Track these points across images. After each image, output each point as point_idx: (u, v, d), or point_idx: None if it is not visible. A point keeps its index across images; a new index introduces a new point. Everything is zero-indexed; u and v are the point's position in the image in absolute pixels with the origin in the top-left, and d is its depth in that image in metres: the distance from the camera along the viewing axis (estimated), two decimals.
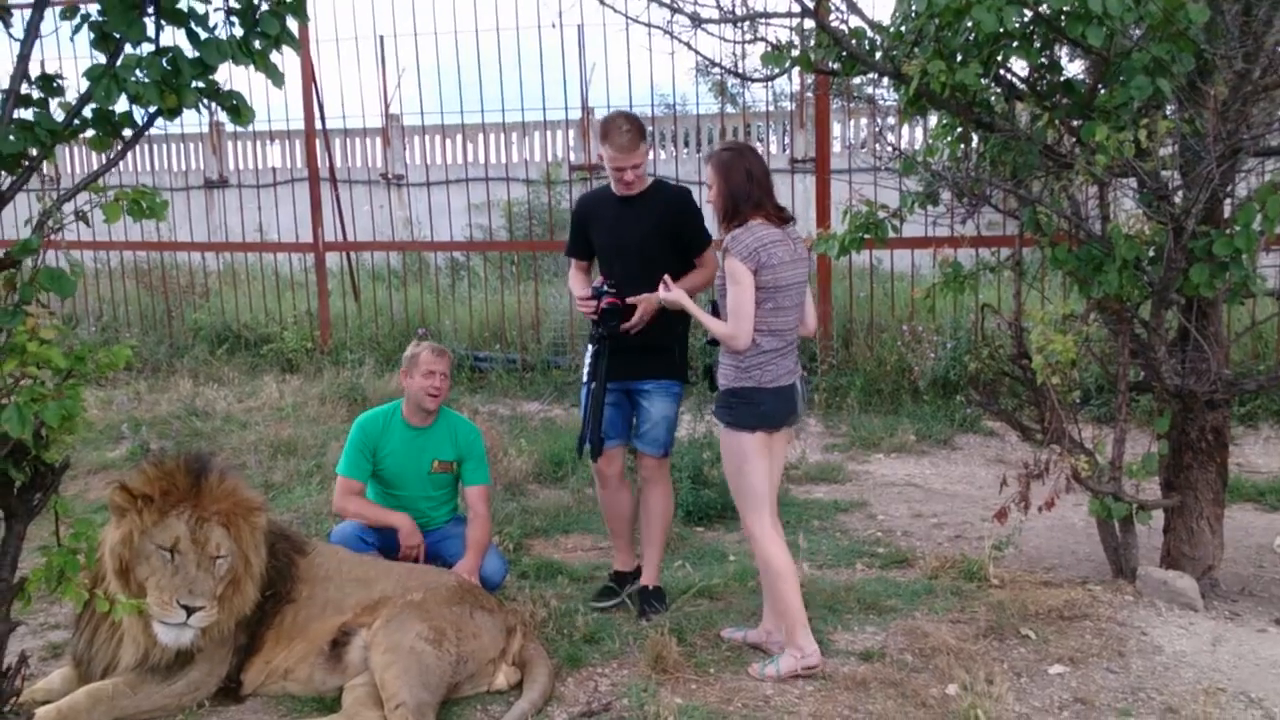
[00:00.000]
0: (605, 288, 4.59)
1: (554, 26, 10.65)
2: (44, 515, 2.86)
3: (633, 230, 4.65)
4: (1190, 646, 4.21)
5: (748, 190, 4.06)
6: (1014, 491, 4.52)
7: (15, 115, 2.68)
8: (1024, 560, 5.17)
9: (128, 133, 2.82)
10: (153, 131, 2.97)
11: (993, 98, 4.58)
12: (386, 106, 12.15)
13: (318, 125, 10.39)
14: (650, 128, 13.60)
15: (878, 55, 4.58)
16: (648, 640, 4.11)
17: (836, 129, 12.87)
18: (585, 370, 4.74)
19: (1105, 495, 4.58)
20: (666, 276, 4.41)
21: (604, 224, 4.75)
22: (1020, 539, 5.24)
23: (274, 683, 3.94)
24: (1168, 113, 4.31)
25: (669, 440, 4.76)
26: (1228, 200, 4.48)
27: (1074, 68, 4.75)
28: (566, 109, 10.88)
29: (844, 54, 4.58)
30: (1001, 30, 3.97)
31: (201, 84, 2.77)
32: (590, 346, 4.67)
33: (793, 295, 4.09)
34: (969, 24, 4.11)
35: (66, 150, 14.57)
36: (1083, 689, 3.88)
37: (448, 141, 15.77)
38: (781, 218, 4.13)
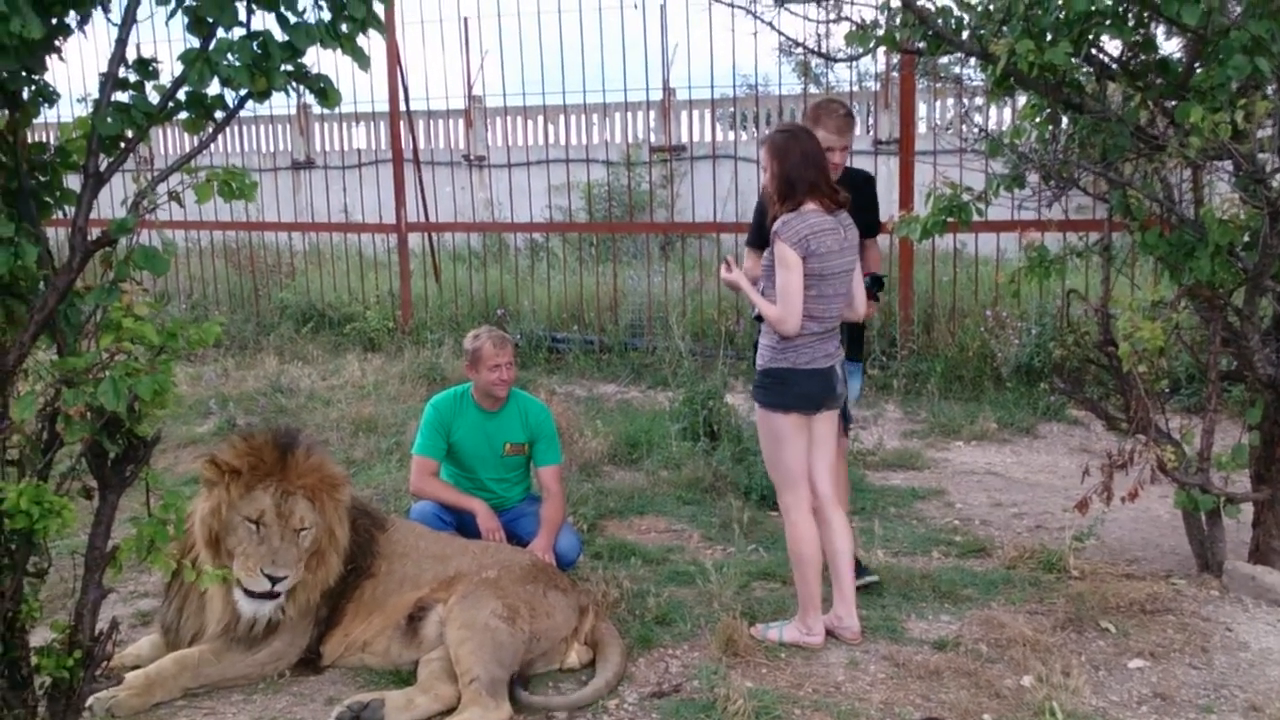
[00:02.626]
0: (870, 284, 4.48)
1: (635, 7, 10.62)
2: (135, 487, 2.96)
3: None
4: (1277, 644, 4.10)
5: (802, 172, 3.99)
6: (1097, 481, 4.43)
7: (113, 98, 2.76)
8: (1106, 552, 5.07)
9: (219, 115, 2.89)
10: (242, 114, 3.04)
11: (1083, 77, 4.47)
12: (469, 88, 12.26)
13: (402, 107, 10.52)
14: (732, 109, 13.49)
15: (964, 34, 4.50)
16: (719, 623, 4.12)
17: (922, 110, 12.65)
18: None
19: (1192, 487, 4.47)
20: (729, 257, 4.39)
21: None
22: (1102, 530, 5.14)
23: (352, 655, 4.03)
24: (1267, 93, 4.17)
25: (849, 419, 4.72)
26: None
27: (1169, 46, 4.62)
28: (648, 89, 10.88)
29: (930, 33, 4.51)
30: (1093, 8, 3.88)
31: (290, 67, 2.81)
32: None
33: (837, 284, 4.07)
34: (1059, 1, 4.01)
35: (160, 133, 14.96)
36: (1163, 684, 3.79)
37: (529, 123, 15.86)
38: (837, 201, 4.06)
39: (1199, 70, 4.12)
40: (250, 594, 3.82)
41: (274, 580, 3.79)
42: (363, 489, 5.92)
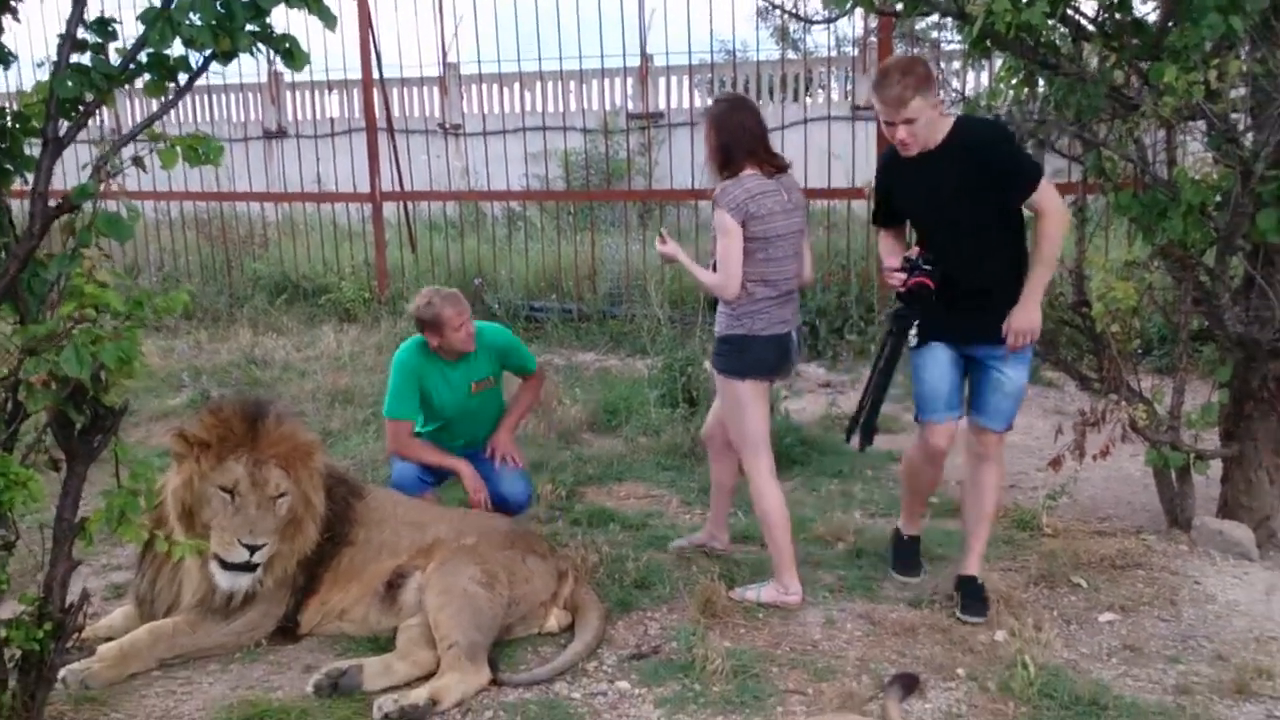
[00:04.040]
0: (921, 261, 3.95)
1: None
2: (106, 461, 2.93)
3: (934, 191, 3.92)
4: (1244, 596, 4.17)
5: (739, 140, 4.06)
6: (1069, 440, 4.46)
7: (72, 60, 2.71)
8: (1078, 510, 5.11)
9: (183, 78, 2.84)
10: (212, 81, 3.01)
11: (1059, 38, 4.46)
12: (444, 55, 12.13)
13: (375, 74, 10.41)
14: (710, 75, 13.46)
15: None
16: (698, 585, 4.13)
17: None
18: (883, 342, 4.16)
19: (1162, 445, 4.51)
20: (664, 230, 4.42)
21: (905, 184, 4.05)
22: (1075, 489, 5.18)
23: (330, 623, 4.02)
24: (1240, 53, 4.17)
25: (1015, 413, 4.11)
26: None
27: (1144, 7, 4.60)
28: (625, 56, 10.84)
29: None
30: None
31: (255, 27, 2.77)
32: (889, 319, 4.12)
33: (786, 245, 4.10)
34: None
35: (128, 101, 14.76)
36: (1132, 636, 3.86)
37: (505, 90, 15.72)
38: (776, 166, 4.12)
39: (1173, 30, 4.11)
40: (227, 567, 3.79)
41: (252, 550, 3.76)
42: (340, 459, 5.90)
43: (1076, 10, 4.41)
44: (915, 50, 11.92)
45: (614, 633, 4.00)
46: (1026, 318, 3.86)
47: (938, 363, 4.05)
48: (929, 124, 3.79)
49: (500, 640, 3.85)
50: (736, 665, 3.65)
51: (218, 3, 2.67)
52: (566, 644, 3.88)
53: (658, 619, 4.11)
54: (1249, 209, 4.08)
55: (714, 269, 4.11)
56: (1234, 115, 4.17)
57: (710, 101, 4.38)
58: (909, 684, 3.53)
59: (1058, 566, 4.38)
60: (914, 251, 4.02)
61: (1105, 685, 3.52)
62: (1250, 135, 4.15)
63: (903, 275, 3.96)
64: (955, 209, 3.89)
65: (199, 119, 16.81)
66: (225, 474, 3.80)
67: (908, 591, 4.29)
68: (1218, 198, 4.20)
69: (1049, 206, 3.82)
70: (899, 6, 4.60)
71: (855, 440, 4.12)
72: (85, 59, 2.73)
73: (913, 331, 4.02)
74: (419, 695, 3.45)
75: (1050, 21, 4.16)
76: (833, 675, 3.63)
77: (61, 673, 3.37)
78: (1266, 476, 4.63)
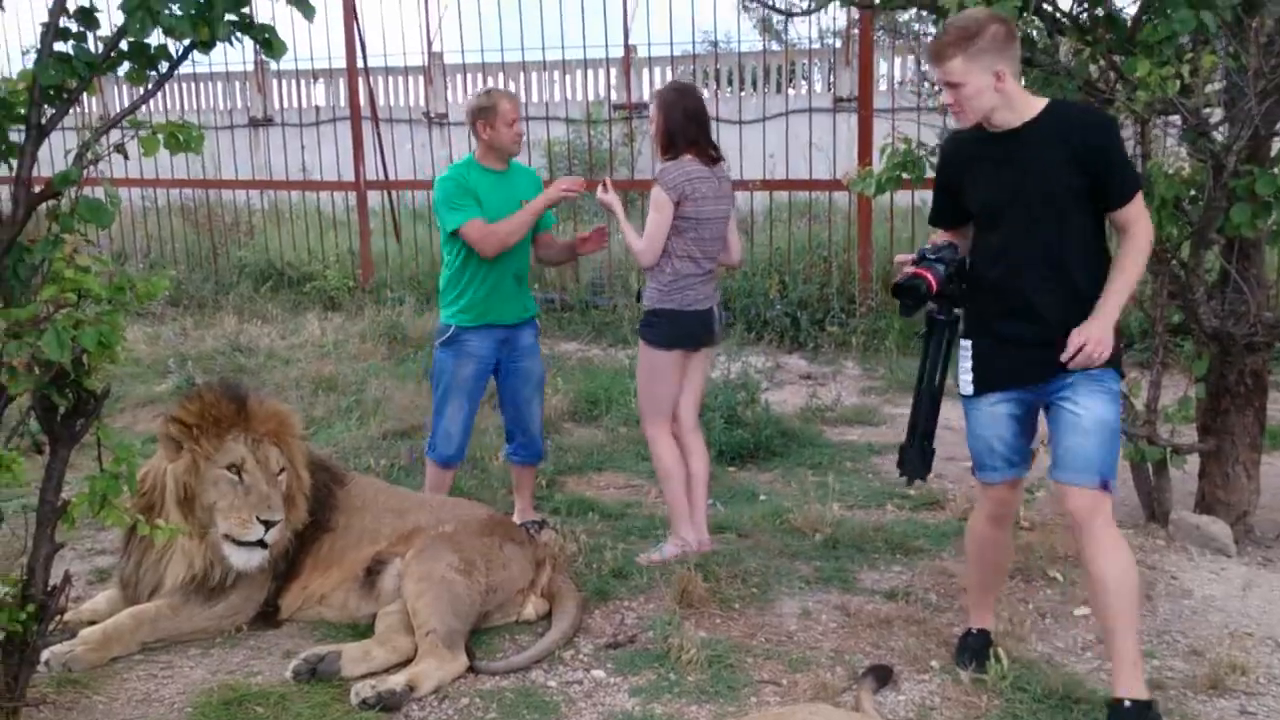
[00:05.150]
0: (929, 253, 3.42)
1: None
2: (90, 445, 2.95)
3: (1004, 184, 3.27)
4: (1220, 591, 4.21)
5: (683, 127, 4.38)
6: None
7: (55, 48, 2.74)
8: (1056, 504, 5.15)
9: (164, 66, 2.87)
10: (198, 69, 3.05)
11: (1034, 32, 4.49)
12: (429, 44, 12.12)
13: (360, 64, 10.40)
14: (693, 66, 13.46)
15: None
16: (674, 576, 4.17)
17: (884, 67, 12.65)
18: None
19: (1140, 439, 4.55)
20: (607, 178, 4.66)
21: (968, 171, 3.39)
22: (1053, 483, 5.22)
23: (310, 608, 4.05)
24: (1215, 48, 4.21)
25: (1107, 461, 3.21)
26: (1276, 139, 4.38)
27: (1119, 1, 4.64)
28: (607, 47, 10.84)
29: None
30: None
31: (234, 16, 2.80)
32: (925, 325, 3.54)
33: (714, 228, 4.44)
34: None
35: (115, 90, 14.70)
36: None
37: (489, 80, 15.70)
38: (712, 157, 4.44)
39: (1146, 25, 4.15)
40: (241, 544, 3.84)
41: (268, 525, 3.83)
42: (323, 446, 5.92)
43: (1051, 3, 4.44)
44: (899, 43, 11.98)
45: (591, 621, 4.03)
46: (1097, 327, 3.15)
47: (995, 417, 3.43)
48: (979, 95, 3.17)
49: (478, 628, 3.88)
50: (711, 655, 3.68)
51: None
52: (544, 632, 3.91)
53: (635, 608, 4.14)
54: (1222, 203, 4.13)
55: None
56: (1212, 110, 4.21)
57: (663, 89, 4.61)
58: (883, 675, 3.56)
59: (1034, 560, 4.41)
60: (933, 240, 3.51)
61: (1079, 679, 3.54)
62: (1223, 129, 4.19)
63: (911, 268, 3.41)
64: (1028, 208, 3.23)
65: (186, 107, 16.74)
66: (229, 454, 3.86)
67: (883, 583, 4.33)
68: (1192, 192, 4.25)
69: (1142, 225, 3.23)
70: (875, 0, 4.62)
71: (908, 471, 3.63)
72: (68, 47, 2.75)
73: (949, 335, 3.47)
74: (396, 681, 3.48)
75: (1024, 15, 4.19)
76: (807, 666, 3.67)
77: (45, 655, 3.40)
78: (1244, 471, 4.67)
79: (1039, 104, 3.27)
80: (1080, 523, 3.27)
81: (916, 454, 3.58)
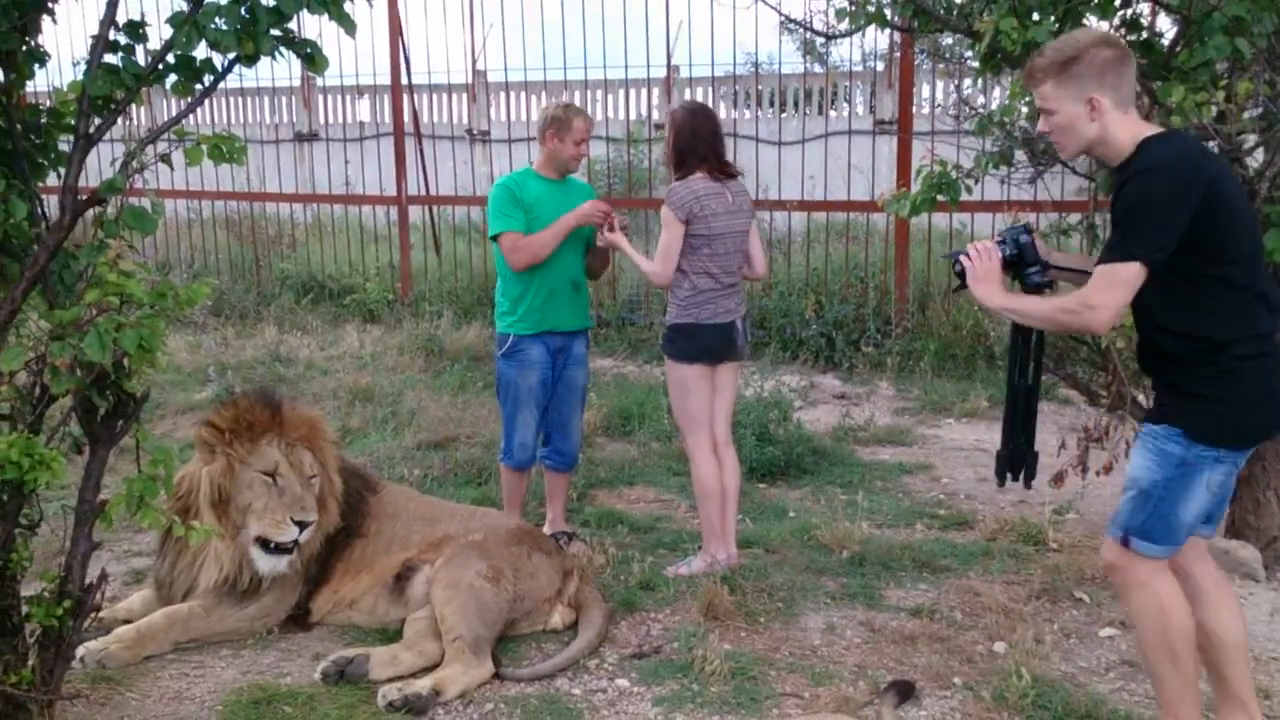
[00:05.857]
0: (1011, 231, 3.24)
1: None
2: (129, 448, 3.03)
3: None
4: (1247, 616, 4.16)
5: (693, 145, 4.44)
6: (1072, 455, 4.50)
7: (103, 60, 2.83)
8: (1085, 525, 5.13)
9: (209, 79, 2.96)
10: (246, 84, 3.13)
11: None
12: (473, 62, 12.25)
13: (404, 81, 10.55)
14: (734, 87, 13.46)
15: (953, 12, 4.53)
16: (700, 589, 4.19)
17: (926, 90, 12.64)
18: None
19: None
20: (614, 218, 4.71)
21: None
22: (1083, 505, 5.21)
23: (340, 612, 4.12)
24: (1253, 75, 4.20)
25: (1134, 516, 2.97)
26: None
27: (1157, 26, 4.64)
28: (649, 66, 10.85)
29: (918, 9, 4.54)
30: None
31: (278, 32, 2.88)
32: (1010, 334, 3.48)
33: (729, 243, 4.48)
34: None
35: (163, 102, 14.98)
36: (1132, 651, 3.87)
37: (532, 98, 15.85)
38: (725, 173, 4.48)
39: (1182, 51, 4.15)
40: (268, 549, 3.94)
41: (302, 526, 3.94)
42: (358, 456, 6.00)
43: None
44: (941, 66, 11.94)
45: (616, 632, 4.07)
46: (983, 287, 3.14)
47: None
48: (1072, 125, 2.91)
49: (505, 635, 3.93)
50: (735, 667, 3.71)
51: (243, 8, 2.78)
52: (569, 641, 3.95)
53: (660, 620, 4.17)
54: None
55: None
56: (1241, 136, 4.20)
57: (675, 108, 4.66)
58: (904, 691, 3.57)
59: (1061, 581, 4.41)
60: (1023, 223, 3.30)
61: (1101, 699, 3.54)
62: (1258, 155, 4.17)
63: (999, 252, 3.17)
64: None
65: (233, 120, 17.03)
66: (264, 458, 3.97)
67: (909, 601, 4.34)
68: None
69: (1093, 292, 2.86)
70: (915, 24, 4.65)
71: (1009, 481, 3.47)
72: (117, 60, 2.84)
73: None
74: (423, 685, 3.53)
75: None
76: (830, 680, 3.68)
77: (80, 651, 3.49)
78: (1274, 497, 4.63)
79: (1136, 139, 2.89)
80: (1104, 568, 3.21)
81: (1015, 465, 3.41)
